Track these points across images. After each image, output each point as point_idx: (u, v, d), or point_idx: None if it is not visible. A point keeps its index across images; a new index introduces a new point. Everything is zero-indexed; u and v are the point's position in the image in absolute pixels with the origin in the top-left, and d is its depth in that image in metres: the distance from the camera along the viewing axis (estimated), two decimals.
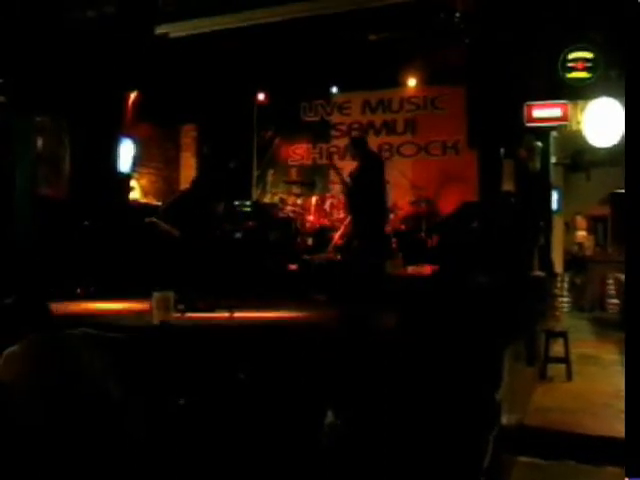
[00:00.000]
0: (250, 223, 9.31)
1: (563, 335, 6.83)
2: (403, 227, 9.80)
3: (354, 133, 11.72)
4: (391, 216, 9.61)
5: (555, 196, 10.40)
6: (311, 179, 10.86)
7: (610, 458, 4.27)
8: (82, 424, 2.70)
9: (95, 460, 2.66)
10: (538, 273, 8.40)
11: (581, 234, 13.29)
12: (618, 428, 4.19)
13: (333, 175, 8.19)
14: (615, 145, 8.96)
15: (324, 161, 11.89)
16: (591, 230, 13.38)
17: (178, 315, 5.59)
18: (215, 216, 8.96)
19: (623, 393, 3.23)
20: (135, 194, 10.62)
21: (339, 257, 8.42)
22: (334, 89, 12.08)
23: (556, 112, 9.29)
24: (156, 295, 5.36)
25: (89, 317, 5.63)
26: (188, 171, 12.37)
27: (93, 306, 6.41)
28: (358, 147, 7.56)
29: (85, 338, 3.03)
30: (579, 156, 11.41)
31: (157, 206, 10.12)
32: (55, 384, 2.77)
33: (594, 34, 8.87)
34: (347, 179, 7.69)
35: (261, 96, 12.27)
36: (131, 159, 9.92)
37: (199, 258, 7.31)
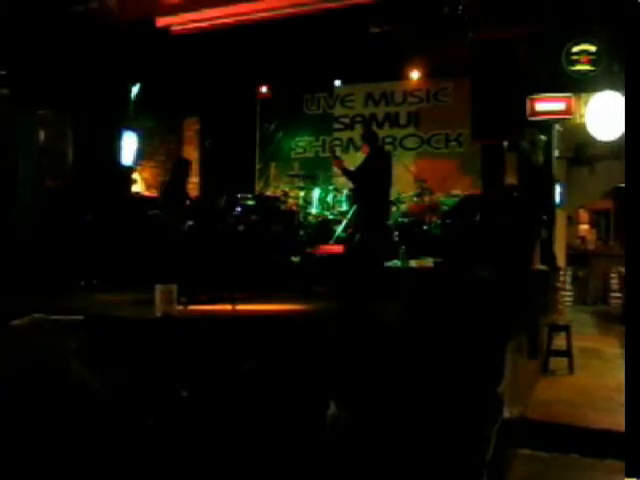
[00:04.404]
0: (253, 216, 9.31)
1: (565, 329, 6.83)
2: (406, 220, 9.78)
3: (357, 126, 11.71)
4: (394, 209, 9.59)
5: (558, 190, 10.37)
6: (313, 172, 10.85)
7: (612, 451, 4.27)
8: (44, 413, 2.69)
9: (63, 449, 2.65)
10: (541, 267, 8.38)
11: (584, 228, 13.24)
12: (620, 421, 4.19)
13: (335, 166, 8.18)
14: (618, 139, 8.91)
15: (327, 154, 11.87)
16: (594, 224, 13.34)
17: (181, 307, 5.60)
18: (217, 209, 8.95)
19: None
20: (137, 187, 10.62)
21: (342, 249, 8.42)
22: (337, 82, 12.06)
23: (559, 105, 9.23)
24: (159, 287, 5.38)
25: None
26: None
27: None
28: (366, 139, 7.64)
29: (40, 325, 3.01)
30: (582, 150, 11.37)
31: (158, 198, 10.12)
32: (14, 374, 2.77)
33: (598, 27, 8.82)
34: (350, 168, 7.71)
35: (264, 89, 12.27)
36: (134, 152, 9.92)
37: (202, 251, 7.31)
